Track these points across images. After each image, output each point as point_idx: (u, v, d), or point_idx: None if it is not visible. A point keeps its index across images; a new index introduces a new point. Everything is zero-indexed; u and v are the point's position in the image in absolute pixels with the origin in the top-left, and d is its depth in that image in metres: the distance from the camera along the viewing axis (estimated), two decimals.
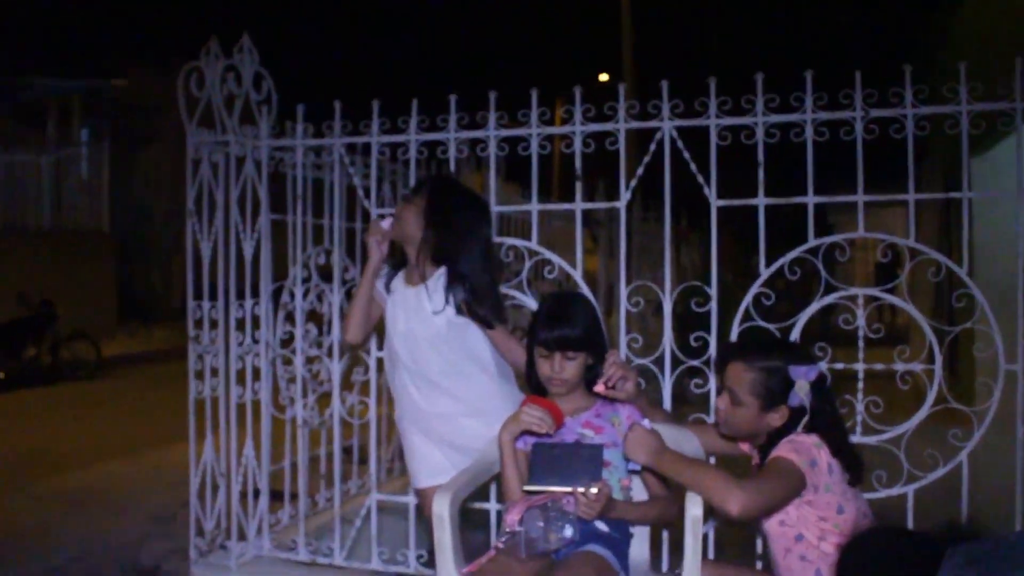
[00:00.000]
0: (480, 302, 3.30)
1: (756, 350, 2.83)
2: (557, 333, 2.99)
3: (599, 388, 3.03)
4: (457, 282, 3.31)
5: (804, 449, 2.66)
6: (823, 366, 2.88)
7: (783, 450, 2.68)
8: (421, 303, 3.38)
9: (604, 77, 21.22)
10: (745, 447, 3.05)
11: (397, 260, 3.61)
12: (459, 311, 3.33)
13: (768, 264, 3.59)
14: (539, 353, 3.05)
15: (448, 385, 3.38)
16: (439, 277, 3.37)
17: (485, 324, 3.32)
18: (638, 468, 2.88)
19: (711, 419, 3.62)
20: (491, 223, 3.49)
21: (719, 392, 2.89)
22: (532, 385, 3.18)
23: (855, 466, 2.75)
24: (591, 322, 3.07)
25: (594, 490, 2.76)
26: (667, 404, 3.64)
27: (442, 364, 3.37)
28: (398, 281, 3.53)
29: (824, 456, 2.67)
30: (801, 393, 2.72)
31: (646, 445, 2.80)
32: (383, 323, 3.64)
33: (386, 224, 3.56)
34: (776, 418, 2.77)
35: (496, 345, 3.37)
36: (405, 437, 3.57)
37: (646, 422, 2.90)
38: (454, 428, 3.38)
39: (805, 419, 2.74)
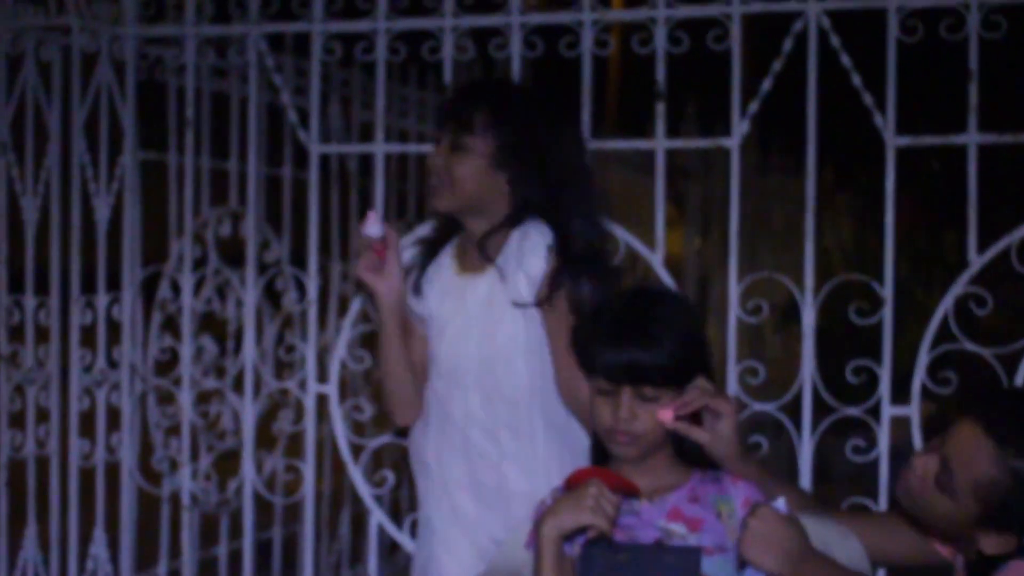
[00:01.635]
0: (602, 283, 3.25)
1: (1018, 427, 2.71)
2: (627, 356, 2.92)
3: (666, 416, 2.95)
4: (576, 255, 3.23)
5: None
6: None
7: (1016, 571, 2.60)
8: (493, 297, 3.30)
9: None
10: (939, 547, 2.99)
11: (439, 232, 3.48)
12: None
13: (982, 248, 3.55)
14: (596, 389, 2.99)
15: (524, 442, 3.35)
16: (524, 244, 3.27)
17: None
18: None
19: (879, 505, 3.59)
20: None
21: (927, 447, 2.80)
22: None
23: None
24: (689, 340, 2.99)
25: None
26: (805, 480, 3.62)
27: (525, 400, 3.34)
28: (444, 271, 3.41)
29: None
30: None
31: (779, 542, 2.74)
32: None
33: (377, 230, 3.37)
34: (991, 544, 2.70)
35: (558, 367, 3.29)
36: (431, 528, 3.48)
37: (781, 503, 2.84)
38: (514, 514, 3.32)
39: None
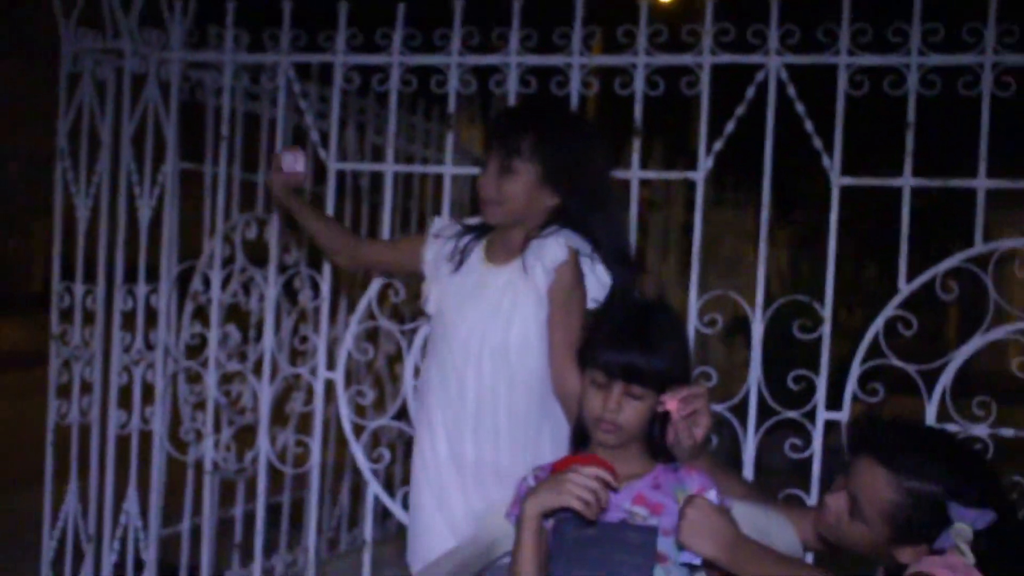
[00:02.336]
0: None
1: (909, 457, 2.67)
2: (628, 356, 2.88)
3: (672, 405, 2.92)
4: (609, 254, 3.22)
5: (961, 567, 2.54)
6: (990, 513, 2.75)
7: (931, 565, 2.55)
8: (515, 286, 3.23)
9: None
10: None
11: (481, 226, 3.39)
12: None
13: (910, 279, 3.55)
14: (590, 380, 2.94)
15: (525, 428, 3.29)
16: (546, 240, 3.21)
17: None
18: (697, 562, 2.77)
19: (811, 497, 3.59)
20: None
21: (834, 486, 2.76)
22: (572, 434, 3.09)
23: None
24: (678, 352, 2.96)
25: None
26: (748, 472, 3.61)
27: (536, 386, 3.27)
28: (473, 257, 3.34)
29: None
30: (959, 540, 2.58)
31: (713, 529, 2.70)
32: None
33: (301, 167, 3.42)
34: (906, 555, 2.66)
35: (554, 356, 3.24)
36: (421, 497, 3.41)
37: (712, 494, 2.80)
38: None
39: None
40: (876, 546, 2.68)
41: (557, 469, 2.88)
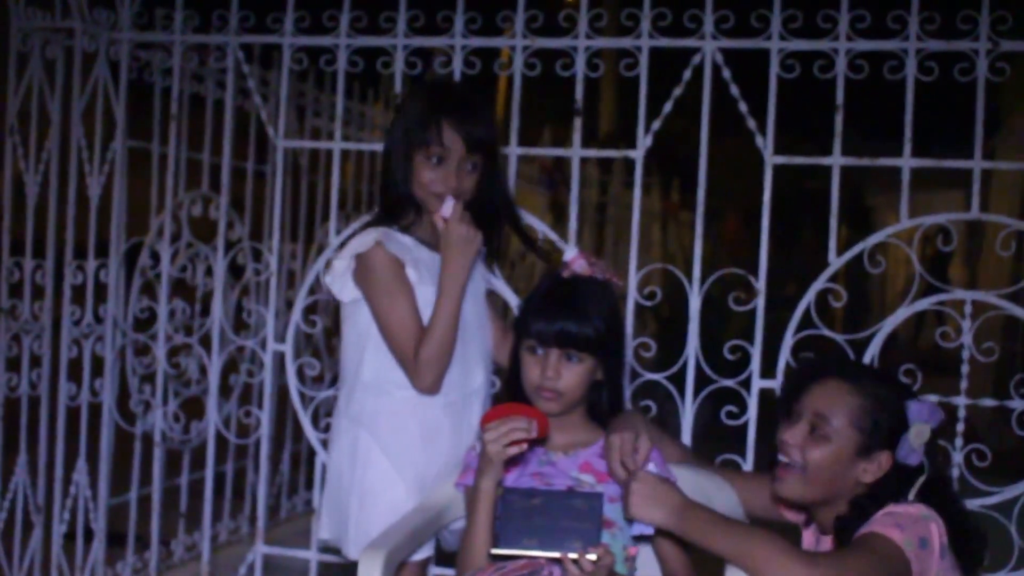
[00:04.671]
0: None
1: (862, 369, 2.83)
2: (559, 324, 2.88)
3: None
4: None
5: (910, 523, 2.57)
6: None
7: (880, 525, 2.57)
8: (481, 278, 3.28)
9: None
10: (793, 516, 2.97)
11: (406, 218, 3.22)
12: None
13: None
14: (527, 349, 2.93)
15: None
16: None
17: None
18: (649, 532, 2.78)
19: (748, 465, 3.61)
20: None
21: (788, 422, 2.78)
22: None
23: (976, 549, 2.68)
24: (608, 315, 2.96)
25: (592, 557, 2.65)
26: (687, 438, 3.62)
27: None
28: (421, 252, 3.23)
29: (937, 533, 2.58)
30: (917, 441, 2.66)
31: (662, 498, 2.70)
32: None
33: (447, 210, 3.22)
34: (871, 470, 2.69)
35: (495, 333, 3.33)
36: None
37: (651, 467, 2.80)
38: None
39: (920, 480, 2.66)
40: (842, 468, 2.72)
41: (487, 421, 2.88)
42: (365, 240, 3.06)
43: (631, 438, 2.84)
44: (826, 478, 2.72)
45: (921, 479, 2.68)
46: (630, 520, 2.76)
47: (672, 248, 12.39)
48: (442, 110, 3.07)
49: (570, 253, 3.01)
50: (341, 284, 3.13)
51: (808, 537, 2.89)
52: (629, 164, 9.61)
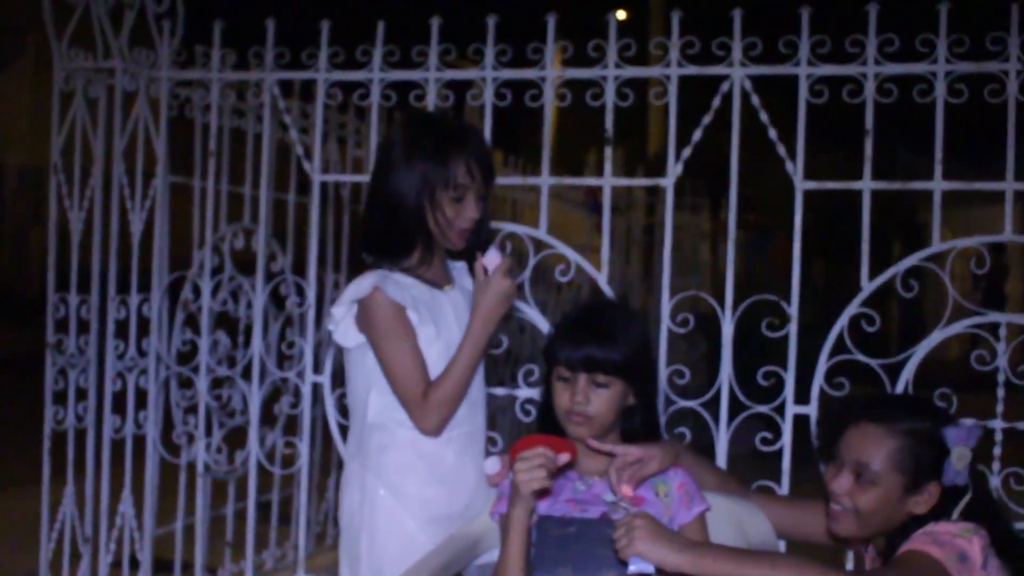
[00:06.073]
0: None
1: (893, 407, 2.76)
2: (585, 350, 2.84)
3: (627, 491, 2.88)
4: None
5: (948, 539, 2.53)
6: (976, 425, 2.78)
7: (919, 543, 2.53)
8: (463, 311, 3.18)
9: (622, 15, 21.23)
10: (855, 546, 2.94)
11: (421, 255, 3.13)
12: None
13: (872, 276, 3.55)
14: (557, 377, 2.90)
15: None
16: (462, 269, 3.20)
17: None
18: (650, 570, 2.69)
19: (782, 487, 3.58)
20: None
21: (831, 471, 2.74)
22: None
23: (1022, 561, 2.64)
24: (637, 342, 2.92)
25: None
26: (721, 463, 3.59)
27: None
28: (422, 291, 3.19)
29: (978, 547, 2.53)
30: (960, 464, 2.62)
31: (667, 535, 2.64)
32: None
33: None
34: (922, 502, 2.66)
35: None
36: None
37: (645, 506, 2.76)
38: None
39: (965, 500, 2.63)
40: (893, 508, 2.70)
41: (516, 451, 2.84)
42: (362, 286, 3.00)
43: (637, 453, 2.84)
44: (880, 518, 2.70)
45: (966, 498, 2.64)
46: (623, 562, 2.69)
47: (722, 266, 12.35)
48: (465, 148, 3.03)
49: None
50: (344, 330, 3.09)
51: (868, 563, 2.87)
52: (677, 185, 9.69)
